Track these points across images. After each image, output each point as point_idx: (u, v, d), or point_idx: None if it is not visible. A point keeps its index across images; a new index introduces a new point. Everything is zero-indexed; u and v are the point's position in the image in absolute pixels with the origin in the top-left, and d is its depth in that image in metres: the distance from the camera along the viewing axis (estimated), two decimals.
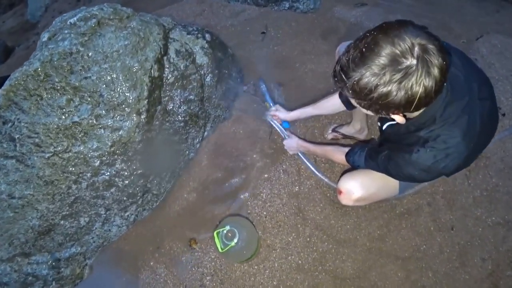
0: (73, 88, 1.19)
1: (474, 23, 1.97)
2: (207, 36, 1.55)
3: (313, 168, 1.47)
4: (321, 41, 1.80)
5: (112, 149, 1.29)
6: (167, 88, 1.46)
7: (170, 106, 1.49)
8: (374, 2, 2.06)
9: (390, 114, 0.72)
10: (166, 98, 1.47)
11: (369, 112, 0.75)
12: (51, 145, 1.17)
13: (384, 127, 0.98)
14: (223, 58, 1.65)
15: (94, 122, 1.24)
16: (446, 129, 0.79)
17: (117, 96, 1.27)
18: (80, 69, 1.19)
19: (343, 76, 0.67)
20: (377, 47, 0.62)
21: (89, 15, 1.21)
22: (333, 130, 1.58)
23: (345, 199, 1.18)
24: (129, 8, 1.35)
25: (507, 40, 1.77)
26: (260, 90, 1.45)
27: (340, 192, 1.18)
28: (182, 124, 1.55)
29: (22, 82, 1.08)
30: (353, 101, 0.74)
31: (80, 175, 1.26)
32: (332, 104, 1.27)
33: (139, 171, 1.42)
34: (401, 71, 0.61)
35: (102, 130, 1.27)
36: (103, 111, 1.25)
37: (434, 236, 1.36)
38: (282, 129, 1.54)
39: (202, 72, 1.57)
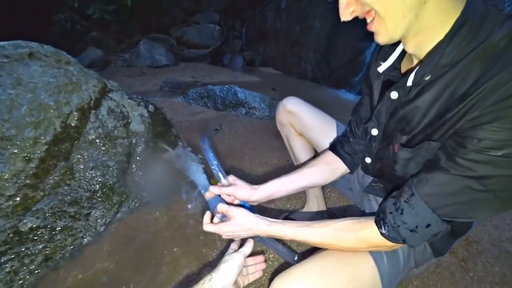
0: None
1: None
2: (151, 107, 1.46)
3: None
4: (274, 139, 1.76)
5: None
6: (83, 145, 1.21)
7: (80, 167, 1.19)
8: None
9: None
10: (78, 156, 1.20)
11: None
12: None
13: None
14: (164, 134, 1.51)
15: None
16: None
17: (6, 127, 1.00)
18: None
19: None
20: None
21: (24, 45, 1.11)
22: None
23: None
24: (75, 59, 1.29)
25: None
26: (205, 154, 0.82)
27: None
28: (88, 194, 1.20)
29: None
30: None
31: None
32: (327, 162, 0.84)
33: None
34: None
35: None
36: None
37: None
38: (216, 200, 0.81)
39: (134, 141, 1.37)
